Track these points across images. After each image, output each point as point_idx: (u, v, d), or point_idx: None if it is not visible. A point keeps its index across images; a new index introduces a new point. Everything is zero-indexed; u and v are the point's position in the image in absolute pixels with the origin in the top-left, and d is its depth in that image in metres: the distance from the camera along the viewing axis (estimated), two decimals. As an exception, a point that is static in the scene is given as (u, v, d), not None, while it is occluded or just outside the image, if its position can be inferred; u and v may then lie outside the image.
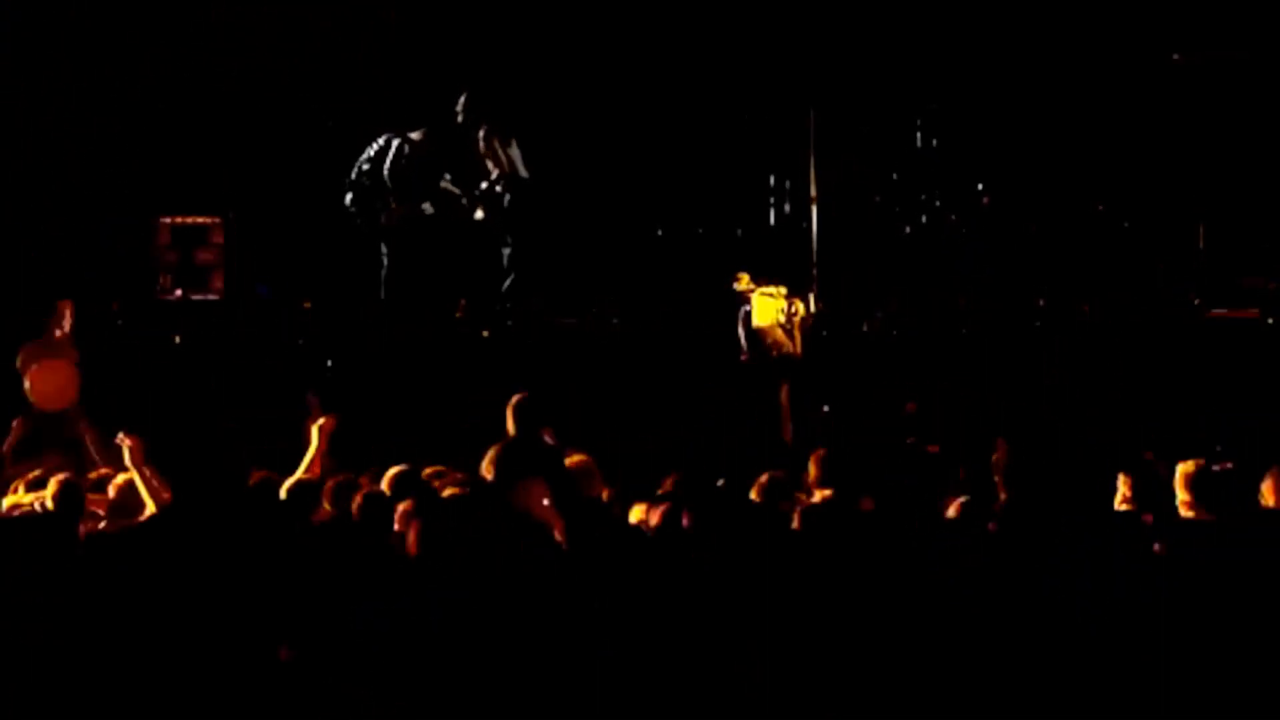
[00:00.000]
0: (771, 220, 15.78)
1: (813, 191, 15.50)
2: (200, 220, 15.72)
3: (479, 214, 15.28)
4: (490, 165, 15.19)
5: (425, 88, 15.77)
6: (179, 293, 15.60)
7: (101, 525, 7.72)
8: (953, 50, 15.90)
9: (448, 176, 15.30)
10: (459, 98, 15.15)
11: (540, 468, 6.33)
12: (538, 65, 16.22)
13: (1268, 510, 6.97)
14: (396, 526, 7.14)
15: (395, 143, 15.32)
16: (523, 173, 15.22)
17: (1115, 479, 7.26)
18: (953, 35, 15.94)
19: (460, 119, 15.16)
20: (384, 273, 15.20)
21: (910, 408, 10.52)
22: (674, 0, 16.16)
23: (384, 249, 15.56)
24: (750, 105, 16.00)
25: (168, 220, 15.66)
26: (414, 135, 15.23)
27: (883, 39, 15.98)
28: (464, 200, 15.21)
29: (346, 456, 9.90)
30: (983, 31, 15.95)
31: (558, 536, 5.91)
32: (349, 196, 15.49)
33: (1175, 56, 15.49)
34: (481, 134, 15.12)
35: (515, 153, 15.17)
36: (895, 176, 15.53)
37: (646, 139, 16.03)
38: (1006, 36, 15.90)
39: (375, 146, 15.39)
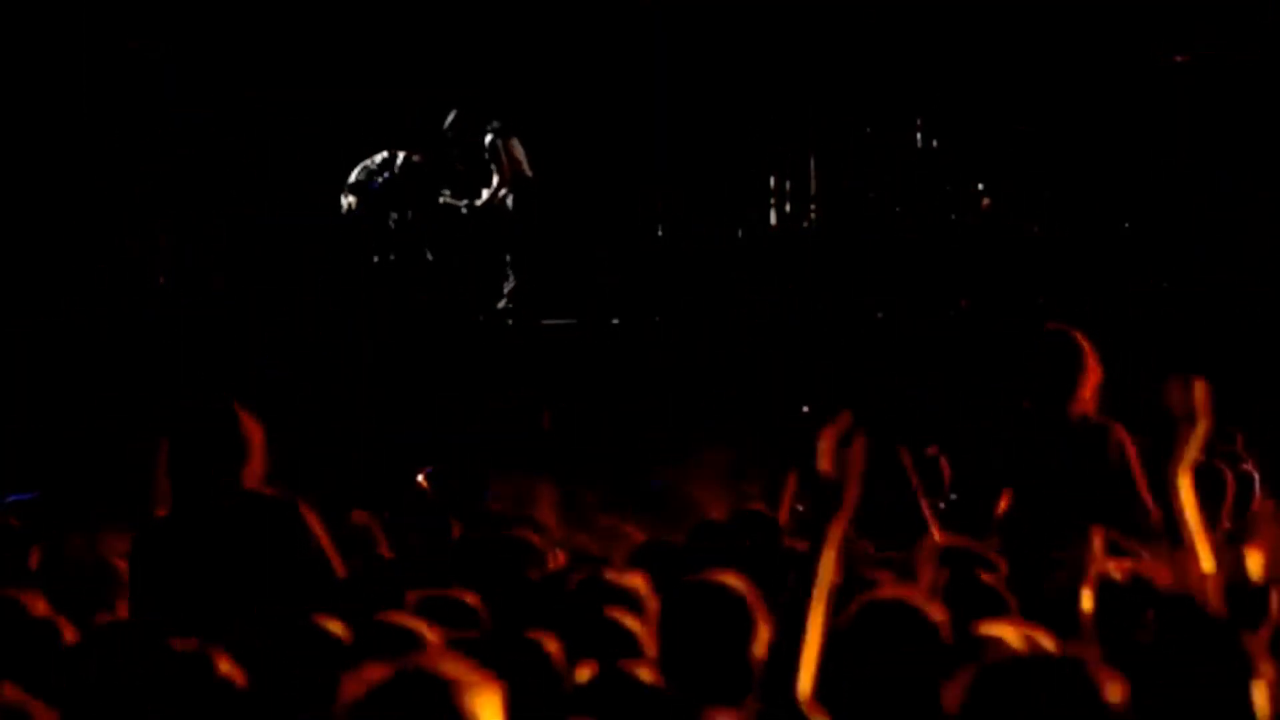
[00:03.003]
0: (772, 220, 15.76)
1: (812, 191, 15.51)
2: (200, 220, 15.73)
3: (481, 219, 15.31)
4: (495, 172, 15.20)
5: (425, 86, 15.78)
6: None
7: None
8: (953, 50, 15.89)
9: (446, 192, 15.33)
10: (447, 120, 15.17)
11: None
12: (537, 65, 16.21)
13: None
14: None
15: (402, 154, 15.34)
16: (527, 172, 15.23)
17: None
18: (953, 34, 15.92)
19: (451, 142, 15.18)
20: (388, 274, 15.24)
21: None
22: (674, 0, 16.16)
23: (382, 252, 15.55)
24: (750, 105, 15.99)
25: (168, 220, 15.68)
26: (417, 158, 15.25)
27: (883, 39, 15.96)
28: (465, 210, 15.24)
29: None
30: (983, 31, 15.93)
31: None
32: (351, 198, 15.48)
33: (1176, 58, 15.49)
34: (486, 141, 15.14)
35: (519, 153, 15.18)
36: (895, 177, 15.52)
37: (646, 139, 16.02)
38: (1006, 36, 15.89)
39: (381, 155, 15.39)
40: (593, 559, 6.59)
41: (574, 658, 4.74)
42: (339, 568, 6.04)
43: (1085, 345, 7.07)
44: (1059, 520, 6.71)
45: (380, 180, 15.30)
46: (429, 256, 15.53)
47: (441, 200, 15.31)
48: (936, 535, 6.72)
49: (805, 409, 11.72)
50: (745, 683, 4.63)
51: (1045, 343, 7.17)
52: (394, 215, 15.39)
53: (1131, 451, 6.93)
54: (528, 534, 6.34)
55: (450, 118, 15.18)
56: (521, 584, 5.83)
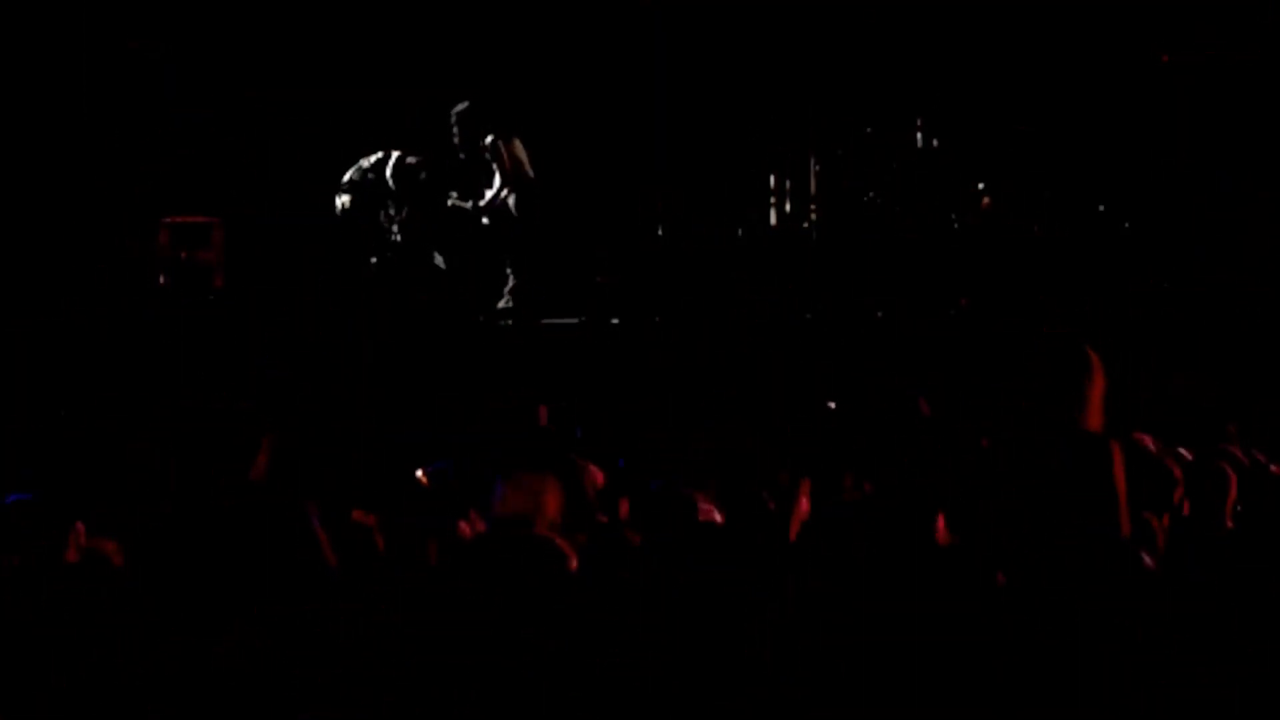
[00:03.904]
0: (772, 220, 15.77)
1: (812, 191, 15.51)
2: (200, 220, 15.73)
3: (485, 219, 15.30)
4: (496, 171, 15.18)
5: (425, 86, 15.78)
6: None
7: None
8: (953, 50, 15.89)
9: (454, 194, 15.31)
10: (455, 109, 15.14)
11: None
12: (537, 65, 16.21)
13: None
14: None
15: (395, 154, 15.31)
16: (528, 173, 15.21)
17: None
18: (953, 34, 15.93)
19: (457, 136, 15.16)
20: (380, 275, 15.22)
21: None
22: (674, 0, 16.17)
23: (378, 253, 15.54)
24: (751, 105, 16.00)
25: (168, 220, 15.68)
26: (411, 160, 15.21)
27: (883, 39, 15.97)
28: (471, 210, 15.22)
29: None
30: (983, 31, 15.94)
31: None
32: (346, 198, 15.47)
33: (1166, 58, 15.50)
34: (487, 141, 15.11)
35: (521, 153, 15.17)
36: (895, 177, 15.52)
37: (646, 139, 16.02)
38: (1006, 36, 15.89)
39: (376, 155, 15.38)
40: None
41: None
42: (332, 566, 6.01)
43: (1093, 356, 7.05)
44: (1052, 524, 6.71)
45: (374, 179, 15.29)
46: (429, 257, 15.52)
47: (450, 203, 15.30)
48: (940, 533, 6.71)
49: (831, 405, 11.72)
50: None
51: (1050, 348, 7.15)
52: (389, 214, 15.37)
53: (1119, 465, 6.92)
54: (551, 535, 6.32)
55: (460, 107, 15.14)
56: (548, 585, 5.80)
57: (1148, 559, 5.68)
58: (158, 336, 14.42)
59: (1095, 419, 6.95)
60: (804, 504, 7.46)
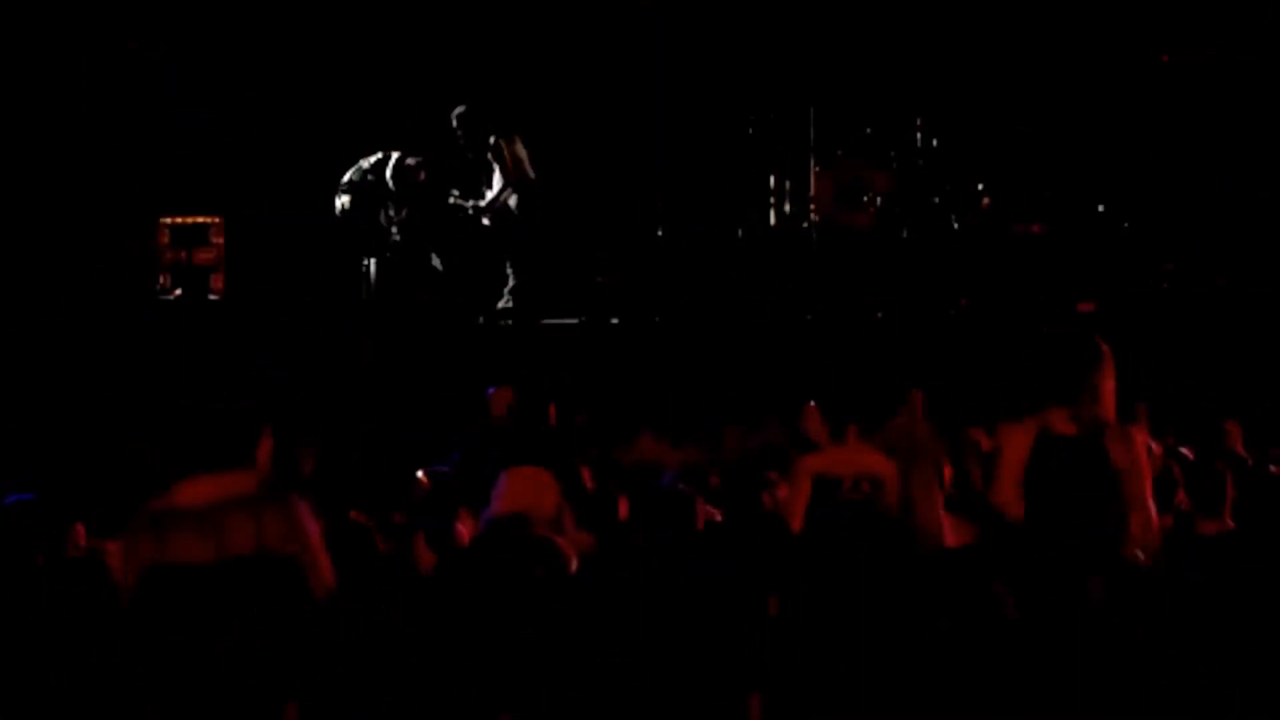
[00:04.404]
0: (772, 220, 15.77)
1: (812, 191, 15.51)
2: (200, 220, 15.75)
3: (485, 220, 15.30)
4: (498, 171, 15.18)
5: (425, 86, 15.78)
6: (178, 292, 15.62)
7: None
8: (953, 50, 15.90)
9: (455, 193, 15.32)
10: (455, 111, 15.15)
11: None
12: (537, 65, 16.22)
13: None
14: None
15: (395, 154, 15.31)
16: (529, 173, 15.21)
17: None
18: (953, 34, 15.94)
19: (460, 136, 15.16)
20: (376, 275, 15.22)
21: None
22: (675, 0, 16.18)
23: (378, 253, 15.54)
24: (751, 105, 16.00)
25: (168, 220, 15.69)
26: (411, 161, 15.20)
27: (883, 39, 15.98)
28: (471, 210, 15.22)
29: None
30: (983, 31, 15.95)
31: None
32: (345, 199, 15.47)
33: (1166, 58, 15.51)
34: (490, 141, 15.12)
35: (522, 153, 15.17)
36: (895, 177, 15.52)
37: (646, 139, 16.03)
38: (1006, 36, 15.90)
39: (376, 155, 15.39)
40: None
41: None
42: (326, 568, 5.99)
43: (1104, 348, 7.03)
44: (1061, 521, 6.70)
45: (374, 179, 15.29)
46: (430, 257, 15.52)
47: (451, 200, 15.31)
48: (947, 533, 6.72)
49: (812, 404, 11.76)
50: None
51: (1061, 341, 7.13)
52: (389, 215, 15.37)
53: (1142, 455, 6.89)
54: (551, 535, 6.32)
55: (459, 110, 15.16)
56: (548, 585, 5.82)
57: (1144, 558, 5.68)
58: (158, 336, 14.43)
59: (1109, 409, 6.94)
60: (804, 500, 7.46)
